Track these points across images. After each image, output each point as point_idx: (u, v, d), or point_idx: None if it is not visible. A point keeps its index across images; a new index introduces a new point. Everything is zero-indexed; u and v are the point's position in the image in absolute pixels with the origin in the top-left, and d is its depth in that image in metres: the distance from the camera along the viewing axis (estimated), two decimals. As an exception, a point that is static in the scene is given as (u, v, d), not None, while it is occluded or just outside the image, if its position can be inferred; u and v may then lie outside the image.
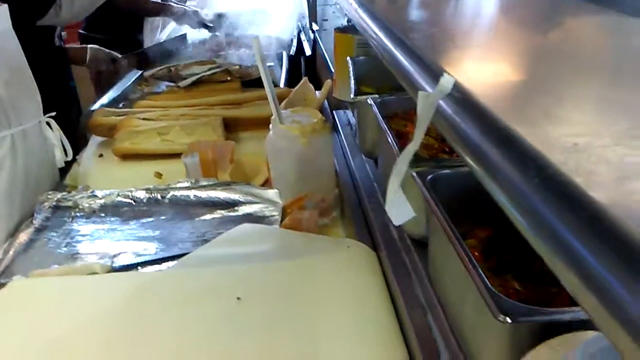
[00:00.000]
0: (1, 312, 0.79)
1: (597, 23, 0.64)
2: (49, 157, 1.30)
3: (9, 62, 1.17)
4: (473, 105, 0.33)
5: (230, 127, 1.42)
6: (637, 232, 0.20)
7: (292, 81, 1.65)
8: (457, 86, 0.35)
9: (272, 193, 1.09)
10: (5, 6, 1.16)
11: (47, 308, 0.79)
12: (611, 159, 0.24)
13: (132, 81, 1.76)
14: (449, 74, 0.36)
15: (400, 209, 0.45)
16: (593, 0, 0.65)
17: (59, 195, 1.11)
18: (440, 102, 0.36)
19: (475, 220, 0.67)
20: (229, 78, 1.59)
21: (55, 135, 1.31)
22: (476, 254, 0.64)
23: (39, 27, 1.59)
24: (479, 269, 0.48)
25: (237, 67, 1.60)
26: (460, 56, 0.48)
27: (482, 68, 0.45)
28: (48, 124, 1.30)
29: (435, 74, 0.38)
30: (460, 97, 0.35)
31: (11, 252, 0.94)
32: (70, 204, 1.10)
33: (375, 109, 0.88)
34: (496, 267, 0.62)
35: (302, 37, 2.34)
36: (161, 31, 2.35)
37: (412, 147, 0.40)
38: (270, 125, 1.04)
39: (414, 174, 0.67)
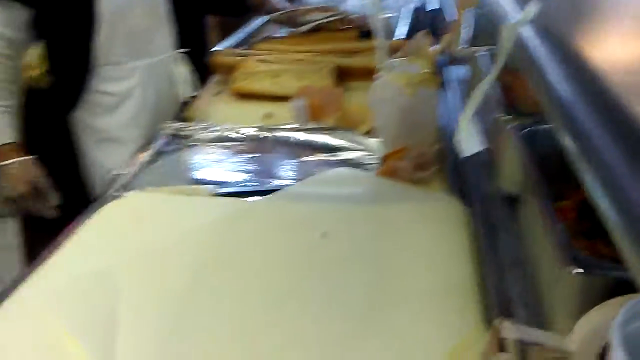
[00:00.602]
0: (117, 218, 0.89)
1: None
2: (174, 90, 1.40)
3: None
4: (551, 32, 0.31)
5: (343, 75, 1.43)
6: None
7: (414, 34, 1.61)
8: (539, 14, 0.33)
9: (373, 141, 1.10)
10: None
11: (153, 221, 0.88)
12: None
13: (256, 25, 1.82)
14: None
15: (469, 141, 0.44)
16: None
17: (177, 125, 1.21)
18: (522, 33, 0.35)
19: (574, 181, 0.63)
20: (347, 26, 1.59)
21: (183, 71, 1.41)
22: (570, 215, 0.61)
23: None
24: (559, 223, 0.46)
25: (356, 16, 1.59)
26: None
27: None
28: (178, 59, 1.40)
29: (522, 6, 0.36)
30: (542, 24, 0.33)
31: (132, 170, 1.05)
32: (186, 133, 1.19)
33: (482, 61, 0.85)
34: (588, 230, 0.58)
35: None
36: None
37: (489, 79, 0.39)
38: (377, 74, 1.04)
39: (511, 127, 0.64)
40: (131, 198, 0.94)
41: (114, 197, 0.96)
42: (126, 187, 0.99)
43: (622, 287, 0.38)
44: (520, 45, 0.38)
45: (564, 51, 0.31)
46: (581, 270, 0.39)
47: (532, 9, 0.34)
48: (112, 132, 1.25)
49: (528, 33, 0.36)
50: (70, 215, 0.94)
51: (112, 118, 1.25)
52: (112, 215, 0.90)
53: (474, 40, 0.99)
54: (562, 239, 0.43)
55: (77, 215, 0.92)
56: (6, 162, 1.12)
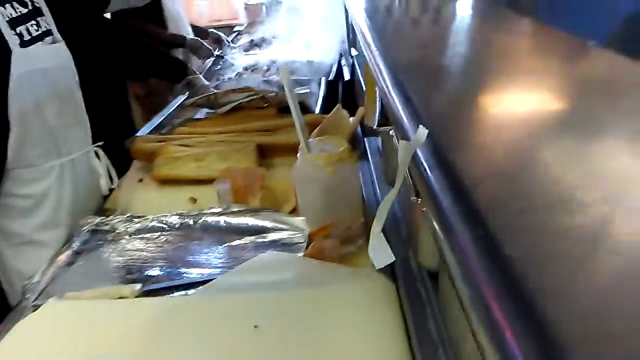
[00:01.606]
0: (35, 333, 0.84)
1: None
2: (94, 184, 1.36)
3: (61, 95, 1.24)
4: (441, 155, 0.34)
5: (265, 153, 1.45)
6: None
7: (329, 106, 1.67)
8: (430, 137, 0.36)
9: (299, 220, 1.11)
10: (63, 43, 1.23)
11: (76, 331, 0.83)
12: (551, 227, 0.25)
13: (174, 108, 1.83)
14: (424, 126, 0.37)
15: (381, 253, 0.45)
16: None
17: (97, 220, 1.17)
18: (418, 150, 0.37)
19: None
20: (265, 104, 1.63)
21: (101, 164, 1.38)
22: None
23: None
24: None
25: (273, 94, 1.64)
26: (447, 107, 0.49)
27: (465, 116, 0.45)
28: (96, 152, 1.37)
29: (418, 125, 0.39)
30: (432, 148, 0.36)
31: (49, 274, 1.00)
32: (107, 227, 1.15)
33: (396, 140, 0.89)
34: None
35: (343, 61, 2.36)
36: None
37: (392, 194, 0.41)
38: (298, 154, 1.06)
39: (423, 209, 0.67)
40: (49, 308, 0.89)
41: (32, 308, 0.91)
42: (44, 295, 0.94)
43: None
44: (413, 162, 0.40)
45: (448, 172, 0.34)
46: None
47: (422, 133, 0.36)
48: (29, 236, 1.19)
49: (421, 152, 0.39)
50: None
51: (28, 221, 1.20)
52: (28, 330, 0.85)
53: (382, 118, 1.03)
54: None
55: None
56: None
